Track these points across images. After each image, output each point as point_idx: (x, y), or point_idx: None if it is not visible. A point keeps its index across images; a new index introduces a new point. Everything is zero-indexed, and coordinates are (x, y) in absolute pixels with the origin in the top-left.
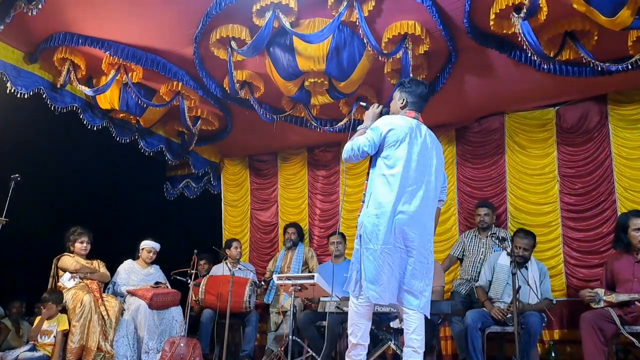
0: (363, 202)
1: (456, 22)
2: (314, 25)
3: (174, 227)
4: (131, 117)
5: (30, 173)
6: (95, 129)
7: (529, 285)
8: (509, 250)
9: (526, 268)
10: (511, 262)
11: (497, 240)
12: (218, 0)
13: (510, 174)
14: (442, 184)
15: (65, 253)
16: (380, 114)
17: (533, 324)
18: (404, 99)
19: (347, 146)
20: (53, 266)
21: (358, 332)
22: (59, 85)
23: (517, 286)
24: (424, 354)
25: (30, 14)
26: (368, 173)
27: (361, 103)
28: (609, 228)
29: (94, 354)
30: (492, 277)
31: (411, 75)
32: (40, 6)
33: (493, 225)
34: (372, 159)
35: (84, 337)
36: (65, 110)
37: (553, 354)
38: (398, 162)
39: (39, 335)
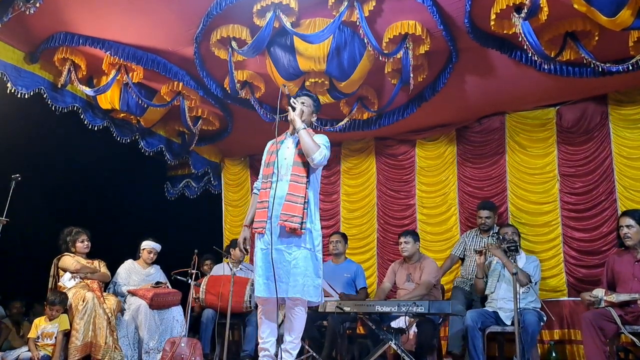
0: (301, 203)
1: (457, 22)
2: (314, 25)
3: (174, 227)
4: (132, 117)
5: (30, 173)
6: (95, 129)
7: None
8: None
9: (514, 260)
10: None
11: (498, 240)
12: (218, 0)
13: (510, 174)
14: None
15: (66, 253)
16: None
17: (530, 322)
18: (315, 116)
19: (322, 153)
20: (53, 266)
21: None
22: (59, 85)
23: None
24: (425, 353)
25: (28, 12)
26: (307, 177)
27: (292, 102)
28: (609, 228)
29: (103, 350)
30: (488, 272)
31: (412, 75)
32: (38, 5)
33: (495, 225)
34: (309, 169)
35: (89, 334)
36: (65, 110)
37: (553, 354)
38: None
39: (40, 337)
